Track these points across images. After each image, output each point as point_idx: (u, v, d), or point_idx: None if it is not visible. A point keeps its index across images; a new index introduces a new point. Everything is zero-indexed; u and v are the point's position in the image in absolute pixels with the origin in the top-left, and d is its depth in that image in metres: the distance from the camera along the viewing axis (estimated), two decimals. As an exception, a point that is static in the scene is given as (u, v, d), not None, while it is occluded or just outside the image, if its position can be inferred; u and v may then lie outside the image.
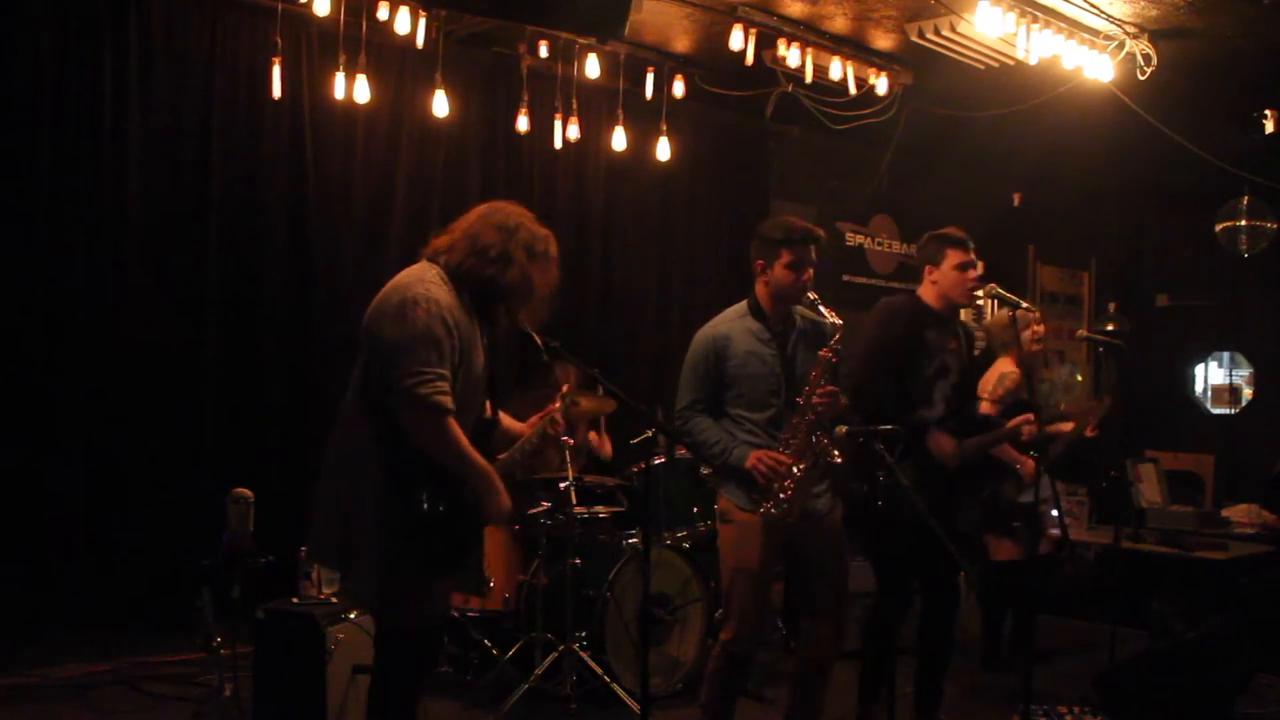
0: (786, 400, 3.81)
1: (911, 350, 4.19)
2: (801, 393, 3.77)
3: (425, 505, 2.95)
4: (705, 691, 3.96)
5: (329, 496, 3.08)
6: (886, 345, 4.20)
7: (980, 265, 4.32)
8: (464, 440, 2.97)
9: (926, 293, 4.32)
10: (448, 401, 2.91)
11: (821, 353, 3.78)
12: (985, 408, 5.04)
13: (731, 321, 3.93)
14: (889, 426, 3.76)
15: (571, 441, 4.75)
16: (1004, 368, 5.23)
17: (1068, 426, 5.29)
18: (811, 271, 3.85)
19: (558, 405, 3.47)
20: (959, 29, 5.65)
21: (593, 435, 5.73)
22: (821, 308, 3.80)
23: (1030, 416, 4.43)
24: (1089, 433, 5.28)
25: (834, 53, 6.20)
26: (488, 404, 3.25)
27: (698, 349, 3.91)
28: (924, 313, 4.28)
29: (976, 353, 6.98)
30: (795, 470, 3.71)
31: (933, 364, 4.21)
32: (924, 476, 4.02)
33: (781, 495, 3.71)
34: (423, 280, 3.01)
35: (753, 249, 3.94)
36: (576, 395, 3.80)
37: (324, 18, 5.35)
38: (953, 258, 4.23)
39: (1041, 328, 5.28)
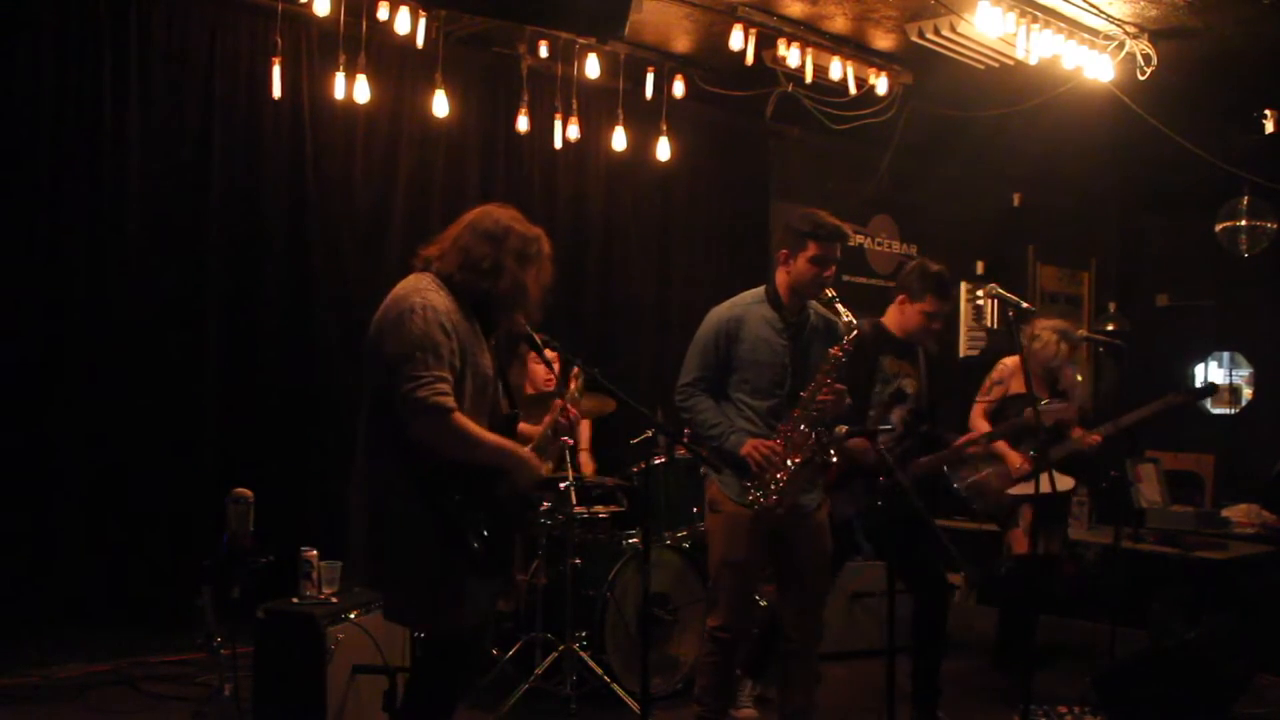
0: (790, 392, 3.83)
1: (867, 374, 4.23)
2: (806, 388, 3.78)
3: (475, 544, 2.96)
4: (698, 681, 4.01)
5: (357, 513, 3.07)
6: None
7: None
8: (474, 429, 2.98)
9: (891, 319, 4.39)
10: (448, 401, 2.92)
11: (832, 351, 3.79)
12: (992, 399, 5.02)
13: (747, 305, 3.96)
14: (888, 427, 3.78)
15: (571, 442, 4.75)
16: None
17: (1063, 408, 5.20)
18: (834, 269, 3.88)
19: (562, 401, 3.47)
20: (959, 29, 5.65)
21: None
22: (839, 306, 3.82)
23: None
24: (1093, 439, 5.24)
25: (834, 53, 6.20)
26: (504, 401, 3.26)
27: (708, 327, 3.94)
28: (883, 338, 4.34)
29: (976, 352, 6.97)
30: (789, 463, 3.72)
31: (888, 389, 4.27)
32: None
33: (773, 486, 3.72)
34: (418, 289, 3.03)
35: (779, 237, 4.00)
36: (576, 395, 3.81)
37: (324, 18, 5.35)
38: (930, 304, 4.31)
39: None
